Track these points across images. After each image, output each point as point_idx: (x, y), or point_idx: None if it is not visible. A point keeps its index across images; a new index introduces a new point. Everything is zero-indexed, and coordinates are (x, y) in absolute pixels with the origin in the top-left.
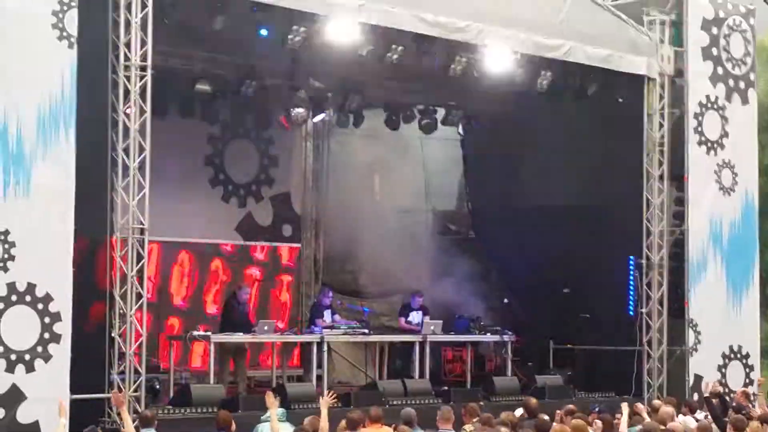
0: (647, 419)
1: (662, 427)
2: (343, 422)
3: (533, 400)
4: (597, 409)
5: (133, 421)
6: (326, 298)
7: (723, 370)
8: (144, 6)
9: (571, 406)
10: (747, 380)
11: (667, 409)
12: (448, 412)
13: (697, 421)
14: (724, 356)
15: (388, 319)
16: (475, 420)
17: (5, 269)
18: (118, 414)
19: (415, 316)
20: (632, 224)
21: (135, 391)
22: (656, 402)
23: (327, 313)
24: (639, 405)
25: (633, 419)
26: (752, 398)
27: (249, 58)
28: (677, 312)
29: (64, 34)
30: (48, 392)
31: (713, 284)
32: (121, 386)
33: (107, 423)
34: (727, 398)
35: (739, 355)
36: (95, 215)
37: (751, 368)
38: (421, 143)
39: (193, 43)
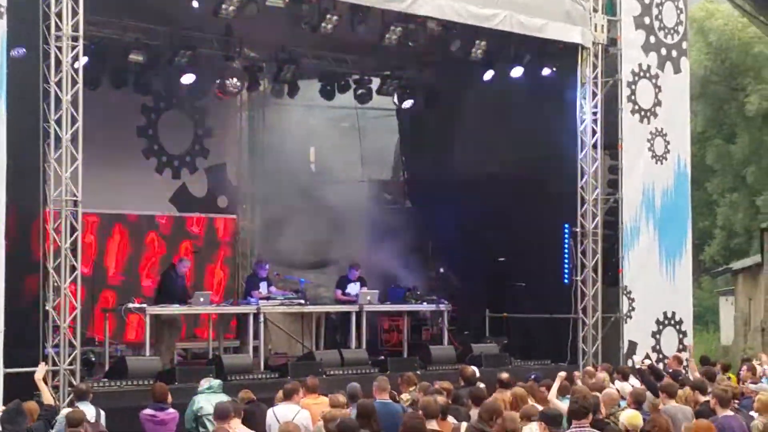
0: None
1: (594, 393)
2: (280, 392)
3: (470, 369)
4: (534, 377)
5: (68, 395)
6: (262, 270)
7: (657, 337)
8: None
9: (505, 375)
10: (680, 346)
11: (600, 375)
12: (384, 381)
13: (632, 387)
14: (657, 322)
15: (325, 289)
16: (412, 389)
17: None
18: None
19: (353, 288)
20: (566, 193)
21: (70, 364)
22: (590, 369)
23: (263, 285)
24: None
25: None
26: (684, 363)
27: (182, 28)
28: (611, 279)
29: None
30: None
31: (647, 252)
32: (56, 360)
33: (41, 397)
34: (660, 365)
35: (672, 322)
36: (28, 187)
37: (684, 334)
38: (357, 113)
39: (125, 13)
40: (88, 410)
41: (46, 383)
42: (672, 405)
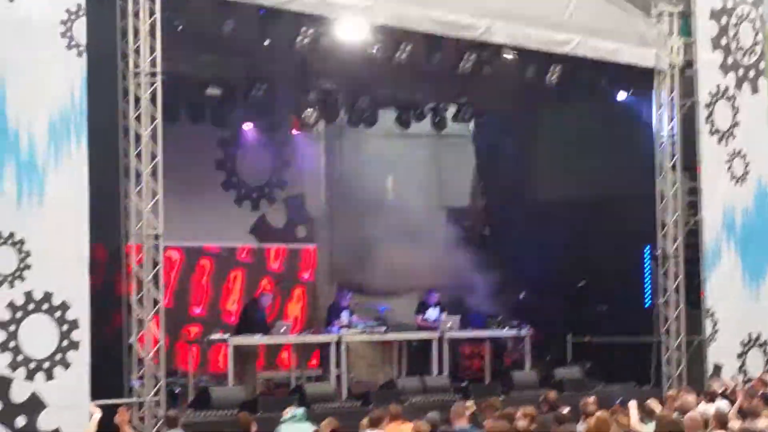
0: (659, 411)
1: (675, 415)
2: (366, 420)
3: (552, 393)
4: (619, 402)
5: (154, 426)
6: (344, 300)
7: (742, 358)
8: (152, 13)
9: (591, 399)
10: (767, 367)
11: (688, 398)
12: (461, 407)
13: (717, 409)
14: (742, 344)
15: (404, 317)
16: (496, 414)
17: (22, 278)
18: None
19: (432, 313)
20: (646, 216)
21: (154, 395)
22: (672, 392)
23: (344, 314)
24: (651, 400)
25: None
26: None
27: (258, 62)
28: (694, 302)
29: (73, 42)
30: (69, 400)
31: (729, 273)
32: (140, 391)
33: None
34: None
35: (758, 343)
36: (110, 223)
37: None
38: (433, 141)
39: (201, 47)
40: None
41: (128, 423)
42: (759, 425)
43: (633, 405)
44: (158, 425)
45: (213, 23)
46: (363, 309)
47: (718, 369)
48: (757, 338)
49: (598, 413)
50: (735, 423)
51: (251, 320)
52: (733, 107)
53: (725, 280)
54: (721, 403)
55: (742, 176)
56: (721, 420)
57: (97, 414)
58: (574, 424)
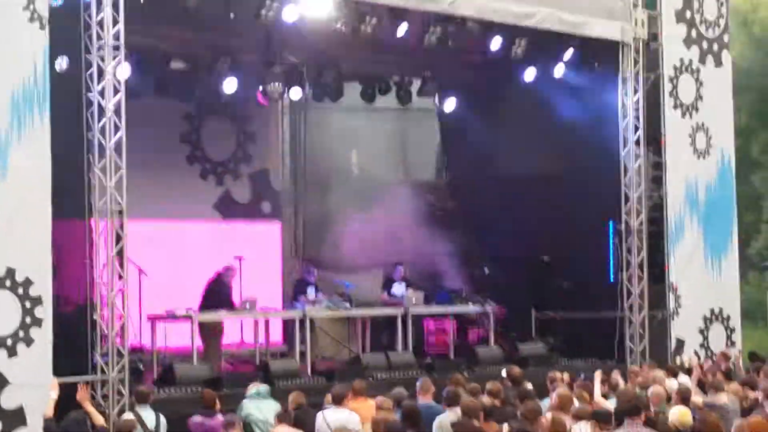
0: (622, 386)
1: (637, 390)
2: (329, 396)
3: (516, 369)
4: (583, 377)
5: (118, 403)
6: (310, 275)
7: (704, 333)
8: None
9: (557, 373)
10: (729, 342)
11: (657, 373)
12: (427, 383)
13: (680, 384)
14: (705, 319)
15: (370, 292)
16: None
17: None
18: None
19: (398, 289)
20: (609, 190)
21: (119, 372)
22: (635, 367)
23: (311, 290)
24: (615, 372)
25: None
26: (733, 360)
27: (222, 35)
28: (657, 277)
29: (35, 15)
30: (32, 377)
31: (692, 248)
32: (105, 369)
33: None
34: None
35: (720, 318)
36: (73, 197)
37: (733, 330)
38: (398, 115)
39: (166, 21)
40: (148, 415)
41: (90, 400)
42: (721, 399)
43: (597, 377)
44: (123, 402)
45: None
46: (328, 285)
47: (680, 344)
48: (720, 313)
49: (560, 390)
50: (697, 398)
51: (216, 296)
52: (697, 81)
53: (688, 255)
54: (684, 378)
55: (705, 150)
56: (684, 395)
57: (54, 393)
58: (537, 401)
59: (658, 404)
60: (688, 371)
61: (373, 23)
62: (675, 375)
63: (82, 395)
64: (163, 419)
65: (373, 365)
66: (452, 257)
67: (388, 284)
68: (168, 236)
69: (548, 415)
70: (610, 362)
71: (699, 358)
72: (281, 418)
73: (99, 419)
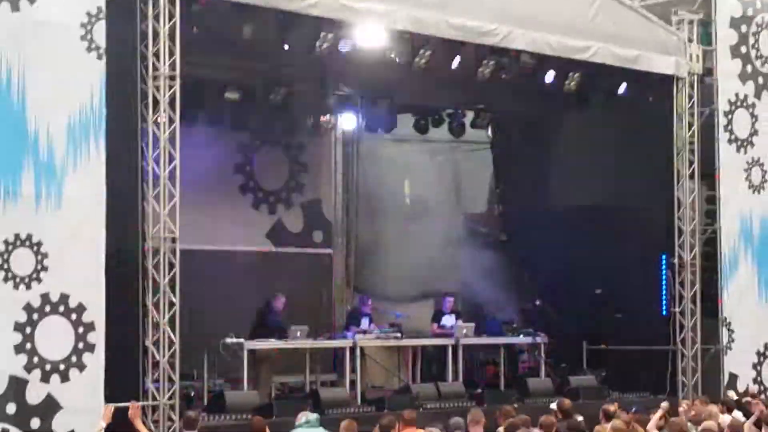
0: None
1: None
2: (377, 428)
3: (567, 401)
4: (634, 410)
5: (169, 429)
6: (365, 306)
7: (758, 368)
8: (171, 16)
9: (612, 407)
10: None
11: (712, 408)
12: (477, 413)
13: (732, 419)
14: (758, 354)
15: (420, 323)
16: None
17: (39, 280)
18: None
19: (448, 320)
20: (663, 224)
21: (170, 398)
22: (686, 401)
23: (365, 321)
24: (665, 404)
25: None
26: None
27: (277, 66)
28: (711, 311)
29: (93, 45)
30: (83, 402)
31: (746, 282)
32: (156, 395)
33: None
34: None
35: None
36: (127, 225)
37: None
38: (450, 147)
39: (221, 51)
40: None
41: (143, 423)
42: None
43: (661, 410)
44: (173, 427)
45: (232, 27)
46: (378, 314)
47: (733, 378)
48: None
49: (617, 421)
50: None
51: (265, 323)
52: (752, 116)
53: (742, 290)
54: (738, 414)
55: (760, 185)
56: (735, 430)
57: (104, 422)
58: None
59: None
60: (744, 406)
61: (428, 55)
62: (730, 410)
63: (134, 412)
64: None
65: (423, 395)
66: (503, 288)
67: (437, 316)
68: (220, 264)
69: None
70: (661, 396)
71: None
72: None
73: None
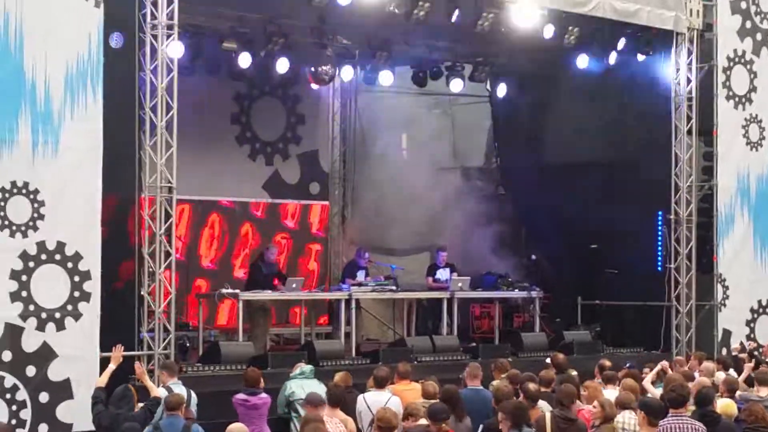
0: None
1: (683, 379)
2: (371, 379)
3: (560, 356)
4: (628, 366)
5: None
6: (362, 260)
7: (751, 325)
8: None
9: (608, 362)
10: None
11: (708, 365)
12: (475, 368)
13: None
14: (752, 311)
15: (417, 276)
16: (503, 375)
17: (35, 228)
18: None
19: (442, 274)
20: (660, 180)
21: (164, 348)
22: (681, 358)
23: (361, 274)
24: (664, 363)
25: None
26: None
27: (276, 16)
28: (706, 267)
29: None
30: (78, 350)
31: (741, 239)
32: (151, 344)
33: (136, 381)
34: (756, 353)
35: (767, 310)
36: (124, 174)
37: None
38: (449, 100)
39: (219, 1)
40: (178, 390)
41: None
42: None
43: (662, 365)
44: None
45: None
46: (374, 267)
47: (727, 335)
48: (767, 305)
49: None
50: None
51: (261, 275)
52: (751, 72)
53: (737, 247)
54: (732, 371)
55: (757, 142)
56: (731, 386)
57: (114, 364)
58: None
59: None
60: (738, 361)
61: (427, 7)
62: (726, 368)
63: (140, 370)
64: (193, 395)
65: (418, 348)
66: (500, 243)
67: (432, 269)
68: (217, 215)
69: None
70: (655, 352)
71: (756, 343)
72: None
73: (156, 392)
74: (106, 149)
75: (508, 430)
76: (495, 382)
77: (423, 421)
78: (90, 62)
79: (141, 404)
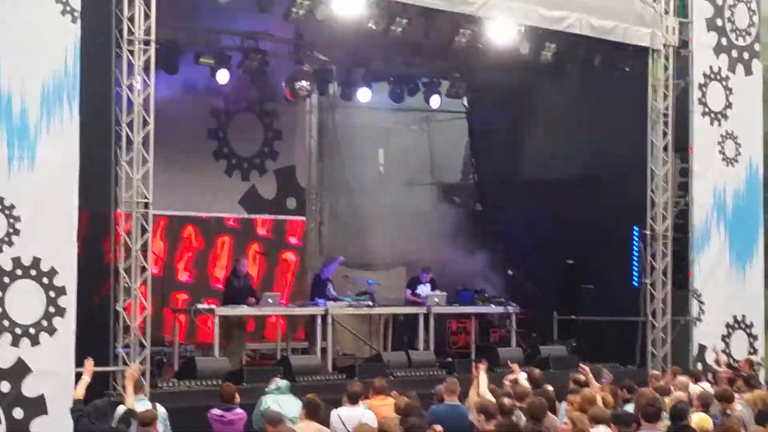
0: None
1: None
2: (344, 396)
3: (537, 371)
4: (604, 381)
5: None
6: (327, 271)
7: (727, 340)
8: None
9: (582, 376)
10: (751, 349)
11: (682, 379)
12: (453, 383)
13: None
14: (728, 326)
15: (392, 292)
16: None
17: (10, 243)
18: (123, 387)
19: (423, 290)
20: (636, 196)
21: (140, 364)
22: (656, 372)
23: (329, 287)
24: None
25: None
26: (756, 367)
27: (253, 32)
28: (681, 283)
29: (68, 8)
30: (54, 366)
31: (717, 255)
32: (126, 360)
33: (112, 396)
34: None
35: (743, 325)
36: (100, 189)
37: (755, 338)
38: (426, 116)
39: (196, 16)
40: (145, 407)
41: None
42: (741, 408)
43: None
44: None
45: None
46: (350, 282)
47: (703, 350)
48: (742, 320)
49: (587, 390)
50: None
51: (235, 290)
52: (726, 89)
53: (713, 262)
54: (706, 385)
55: (733, 158)
56: (705, 401)
57: (87, 377)
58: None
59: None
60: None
61: (404, 24)
62: (698, 380)
63: (133, 373)
64: (161, 409)
65: (394, 363)
66: (476, 258)
67: (413, 283)
68: (193, 231)
69: (572, 415)
70: (631, 367)
71: (728, 357)
72: (308, 414)
73: (131, 402)
74: (82, 164)
75: None
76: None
77: None
78: (66, 77)
79: None
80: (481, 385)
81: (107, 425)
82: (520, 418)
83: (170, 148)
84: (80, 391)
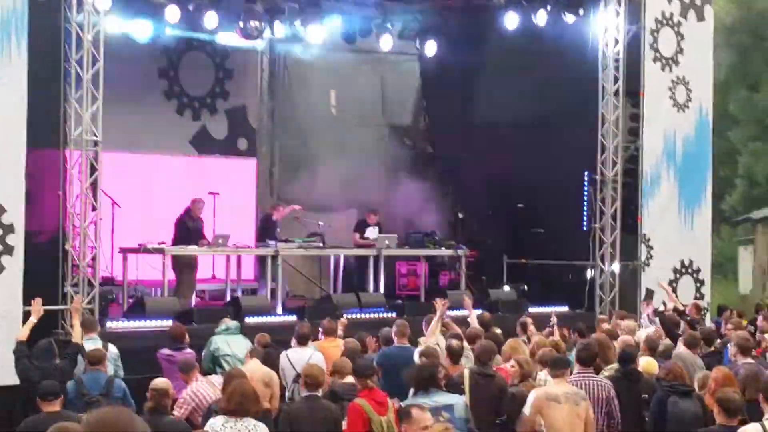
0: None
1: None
2: (293, 338)
3: (486, 314)
4: (552, 324)
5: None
6: (277, 213)
7: (674, 285)
8: None
9: (529, 319)
10: (698, 294)
11: (630, 323)
12: (403, 326)
13: (647, 334)
14: (675, 271)
15: (343, 233)
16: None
17: None
18: (71, 325)
19: (371, 232)
20: (586, 140)
21: (89, 303)
22: (603, 316)
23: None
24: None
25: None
26: (703, 312)
27: None
28: (630, 227)
29: None
30: (2, 305)
31: (666, 200)
32: (75, 299)
33: (61, 335)
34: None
35: (690, 270)
36: (49, 127)
37: (702, 283)
38: (378, 57)
39: None
40: (95, 346)
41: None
42: (685, 351)
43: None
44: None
45: None
46: (301, 224)
47: (650, 294)
48: (690, 265)
49: (539, 338)
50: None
51: (187, 230)
52: (678, 34)
53: (662, 207)
54: (651, 329)
55: (684, 104)
56: (651, 345)
57: (35, 317)
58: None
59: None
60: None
61: None
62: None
63: (76, 306)
64: (113, 349)
65: (344, 305)
66: (427, 201)
67: (361, 226)
68: (143, 170)
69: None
70: (579, 310)
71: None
72: (253, 353)
73: (78, 336)
74: (30, 102)
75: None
76: (421, 339)
77: (350, 378)
78: (15, 14)
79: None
80: (434, 324)
81: (49, 363)
82: (470, 360)
83: (120, 86)
84: (24, 332)
